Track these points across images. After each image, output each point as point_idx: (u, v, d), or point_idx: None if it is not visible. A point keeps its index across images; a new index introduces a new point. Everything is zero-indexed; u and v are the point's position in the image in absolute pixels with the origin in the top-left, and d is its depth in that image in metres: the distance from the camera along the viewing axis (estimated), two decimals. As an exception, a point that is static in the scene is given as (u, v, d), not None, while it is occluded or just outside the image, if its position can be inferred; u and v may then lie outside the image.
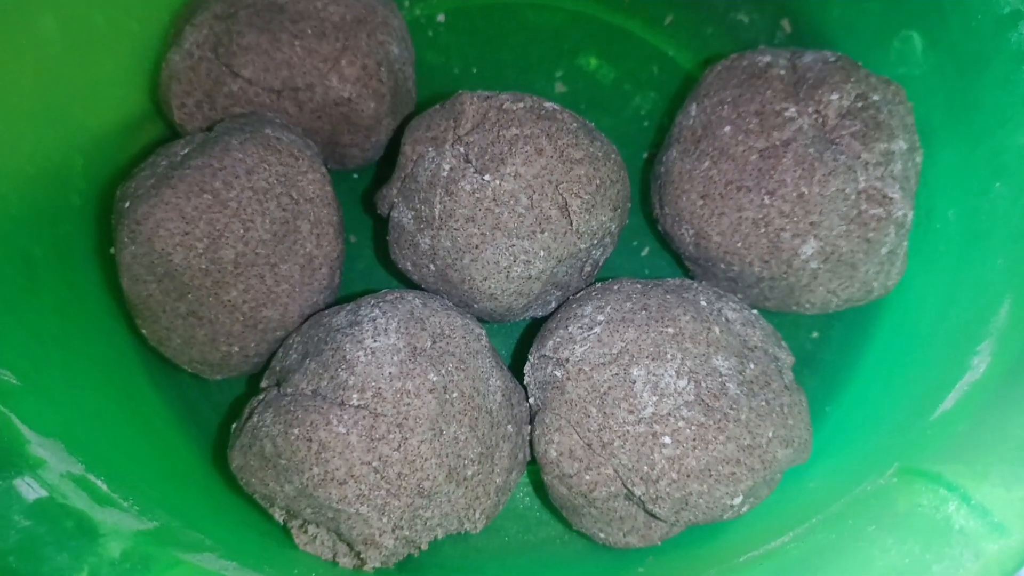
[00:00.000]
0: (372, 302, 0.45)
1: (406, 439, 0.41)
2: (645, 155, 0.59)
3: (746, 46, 0.60)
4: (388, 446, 0.40)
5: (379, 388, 0.41)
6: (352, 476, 0.40)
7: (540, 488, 0.52)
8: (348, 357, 0.42)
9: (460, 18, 0.63)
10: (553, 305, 0.49)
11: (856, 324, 0.53)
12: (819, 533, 0.42)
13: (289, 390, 0.42)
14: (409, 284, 0.52)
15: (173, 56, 0.51)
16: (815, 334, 0.54)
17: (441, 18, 0.63)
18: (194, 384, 0.53)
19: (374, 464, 0.40)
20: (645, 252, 0.57)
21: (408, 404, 0.41)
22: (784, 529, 0.43)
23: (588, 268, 0.49)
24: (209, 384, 0.53)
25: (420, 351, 0.43)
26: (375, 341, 0.42)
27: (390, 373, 0.41)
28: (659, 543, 0.46)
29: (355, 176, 0.59)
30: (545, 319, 0.50)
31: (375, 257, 0.57)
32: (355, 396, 0.41)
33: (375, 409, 0.41)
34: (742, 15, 0.61)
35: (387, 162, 0.58)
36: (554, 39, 0.62)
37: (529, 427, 0.47)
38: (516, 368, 0.51)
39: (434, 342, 0.43)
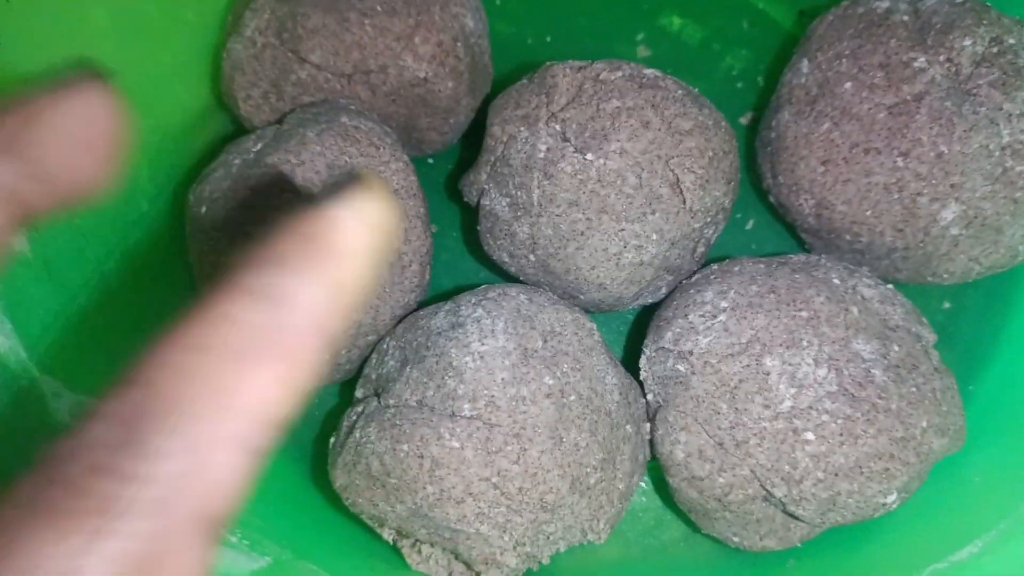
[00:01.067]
0: (473, 300, 0.41)
1: (525, 450, 0.37)
2: (743, 120, 0.54)
3: (845, -7, 0.55)
4: (507, 459, 0.37)
5: (492, 396, 0.37)
6: (470, 494, 0.37)
7: (658, 487, 0.48)
8: (455, 364, 0.38)
9: (528, -18, 0.58)
10: (664, 291, 0.45)
11: (994, 291, 0.48)
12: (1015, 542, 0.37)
13: (391, 401, 0.39)
14: (503, 275, 0.49)
15: (234, 45, 0.48)
16: (947, 304, 0.49)
17: (508, -15, 0.58)
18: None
19: (493, 480, 0.37)
20: (750, 225, 0.52)
21: (525, 412, 0.37)
22: (962, 534, 0.38)
23: (701, 249, 0.45)
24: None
25: (532, 352, 0.39)
26: (482, 344, 0.38)
27: (503, 379, 0.38)
28: (799, 544, 0.42)
29: (430, 162, 0.55)
30: (655, 307, 0.46)
31: (460, 247, 0.53)
32: (467, 406, 0.37)
33: (489, 419, 0.37)
34: (837, -41, 0.56)
35: (466, 145, 0.54)
36: (631, -1, 0.58)
37: (647, 425, 0.43)
38: (627, 362, 0.47)
39: (545, 341, 0.40)
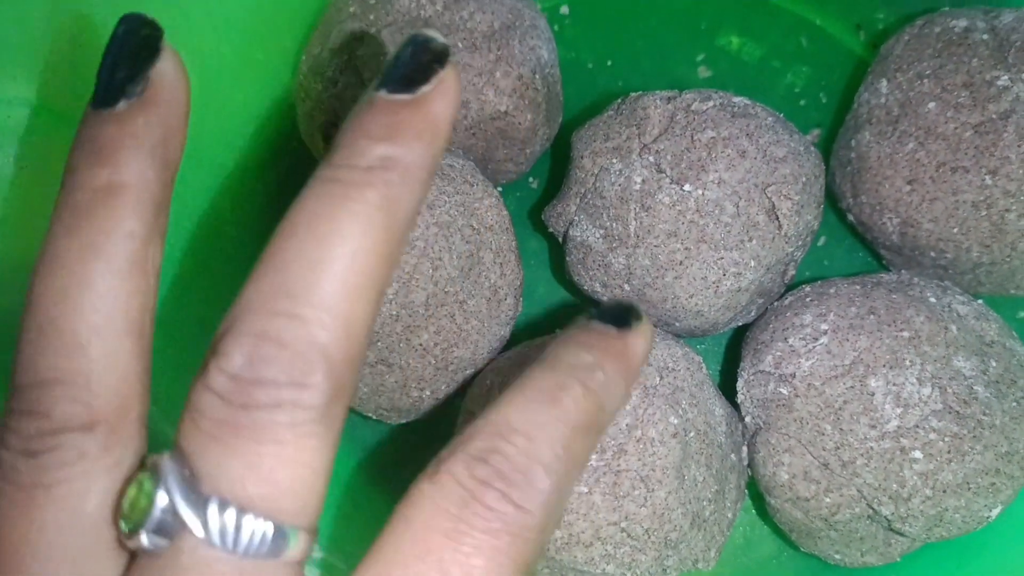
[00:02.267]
0: None
1: (652, 491, 0.38)
2: (809, 137, 0.55)
3: (901, 6, 0.55)
4: (634, 503, 0.37)
5: (620, 444, 0.38)
6: (598, 538, 0.37)
7: (743, 508, 0.49)
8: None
9: (584, 7, 0.59)
10: (754, 313, 0.46)
11: (1071, 298, 0.49)
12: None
13: None
14: (590, 304, 0.49)
15: (314, 84, 0.48)
16: (1021, 314, 0.50)
17: (565, 10, 0.59)
18: (366, 426, 0.50)
19: (621, 524, 0.37)
20: (822, 242, 0.53)
21: (653, 454, 0.38)
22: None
23: (791, 271, 0.46)
24: (383, 426, 0.50)
25: (651, 390, 0.39)
26: None
27: (627, 425, 0.38)
28: (898, 559, 0.43)
29: (500, 191, 0.56)
30: (745, 328, 0.46)
31: (536, 275, 0.54)
32: (594, 457, 0.38)
33: (617, 467, 0.38)
34: (891, -28, 0.57)
35: (537, 174, 0.55)
36: (688, 19, 0.58)
37: (745, 449, 0.43)
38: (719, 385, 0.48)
39: (662, 377, 0.40)
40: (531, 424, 0.23)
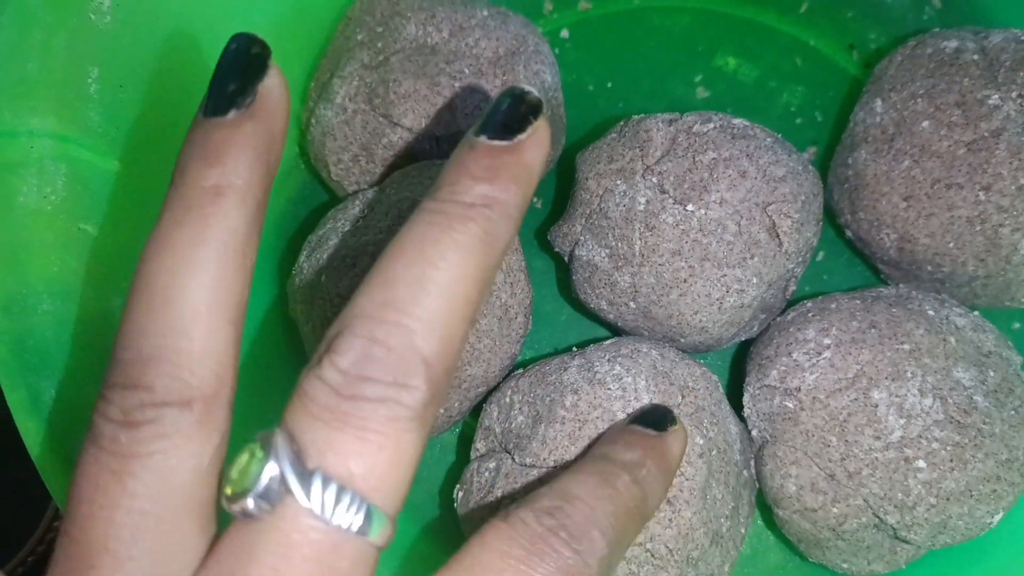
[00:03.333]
0: (607, 357, 0.42)
1: (679, 512, 0.39)
2: (805, 154, 0.56)
3: (893, 27, 0.57)
4: (659, 524, 0.38)
5: None
6: (624, 559, 0.38)
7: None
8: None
9: (584, 31, 0.60)
10: (756, 328, 0.47)
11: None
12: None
13: (529, 460, 0.40)
14: (595, 321, 0.50)
15: (325, 112, 0.50)
16: (1016, 325, 0.52)
17: (565, 34, 0.60)
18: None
19: (646, 545, 0.38)
20: (820, 257, 0.54)
21: (681, 475, 0.39)
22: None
23: (792, 287, 0.47)
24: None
25: (675, 409, 0.40)
26: (626, 414, 0.39)
27: None
28: (904, 567, 0.44)
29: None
30: (748, 343, 0.48)
31: (543, 293, 0.55)
32: None
33: None
34: (883, -7, 0.58)
35: (542, 195, 0.56)
36: (686, 41, 0.60)
37: (753, 463, 0.45)
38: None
39: (683, 397, 0.41)
40: (590, 496, 0.28)
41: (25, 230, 0.40)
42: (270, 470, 0.22)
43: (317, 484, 0.22)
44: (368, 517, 0.23)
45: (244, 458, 0.23)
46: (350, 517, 0.22)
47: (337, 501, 0.22)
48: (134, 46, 0.44)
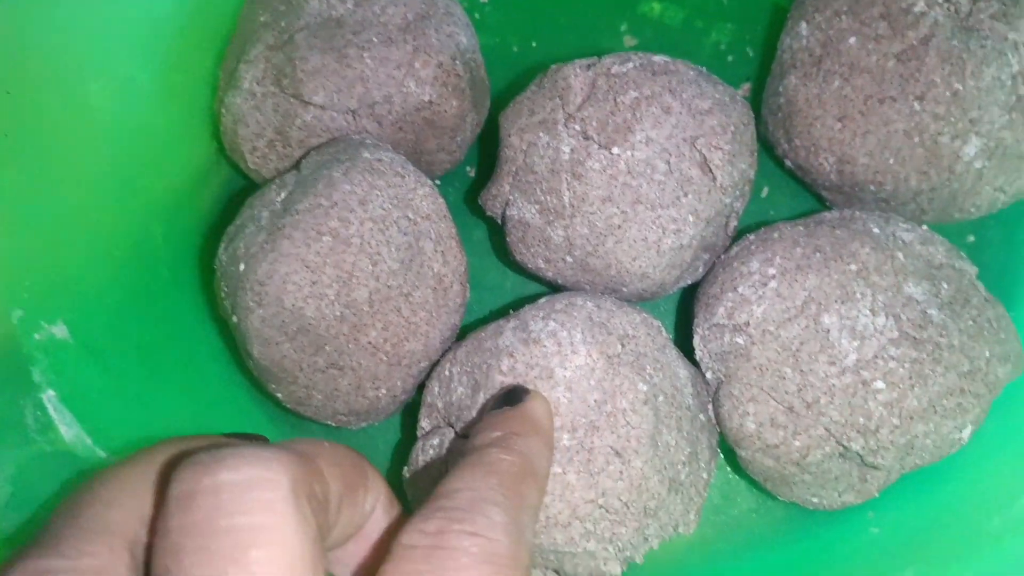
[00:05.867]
0: (540, 315, 0.40)
1: (629, 462, 0.37)
2: (740, 92, 0.54)
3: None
4: (610, 478, 0.37)
5: (591, 421, 0.37)
6: (576, 517, 0.37)
7: (720, 463, 0.48)
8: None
9: (503, -7, 0.59)
10: (701, 270, 0.46)
11: (1016, 217, 0.49)
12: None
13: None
14: (539, 283, 0.49)
15: (233, 99, 0.48)
16: (971, 238, 0.50)
17: (484, -3, 0.58)
18: (325, 435, 0.49)
19: (598, 501, 0.37)
20: (764, 193, 0.53)
21: (627, 424, 0.37)
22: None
23: (733, 223, 0.45)
24: (343, 433, 0.49)
25: (615, 359, 0.38)
26: (565, 369, 0.38)
27: (596, 400, 0.37)
28: (877, 495, 0.43)
29: (437, 183, 0.55)
30: (695, 287, 0.46)
31: (485, 263, 0.53)
32: (565, 437, 0.37)
33: (590, 444, 0.37)
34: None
35: (472, 162, 0.55)
36: (608, -8, 0.58)
37: (710, 407, 0.43)
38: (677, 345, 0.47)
39: (624, 345, 0.39)
40: (467, 482, 0.27)
41: None
42: None
43: None
44: None
45: None
46: None
47: None
48: (22, 47, 0.43)
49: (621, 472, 0.37)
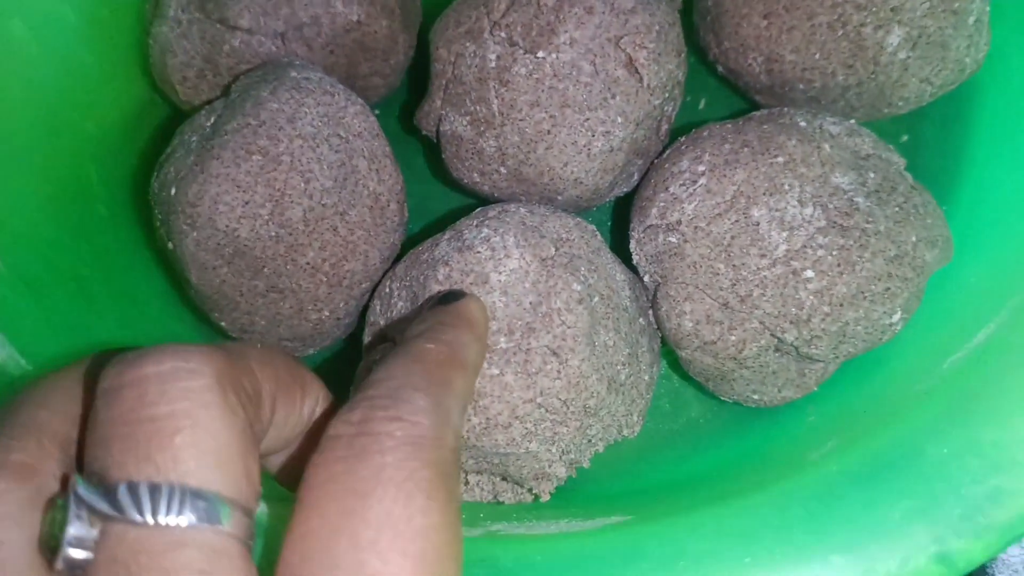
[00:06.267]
0: (474, 223, 0.40)
1: (566, 361, 0.37)
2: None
3: None
4: (547, 377, 0.37)
5: (527, 323, 0.37)
6: (516, 417, 0.37)
7: (667, 373, 0.49)
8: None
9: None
10: (636, 177, 0.46)
11: (947, 115, 0.49)
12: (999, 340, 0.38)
13: None
14: (474, 202, 0.49)
15: (159, 29, 0.47)
16: (904, 138, 0.51)
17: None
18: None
19: (537, 400, 0.37)
20: (702, 105, 0.53)
21: (562, 323, 0.37)
22: (971, 326, 0.39)
23: (664, 126, 0.46)
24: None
25: (549, 261, 0.39)
26: (499, 273, 0.38)
27: (531, 303, 0.38)
28: (815, 388, 0.43)
29: (376, 112, 0.55)
30: (631, 195, 0.46)
31: (423, 187, 0.53)
32: (502, 340, 0.37)
33: (527, 345, 0.37)
34: None
35: (409, 88, 0.54)
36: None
37: (651, 311, 0.43)
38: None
39: (557, 249, 0.40)
40: (393, 371, 0.27)
41: None
42: (77, 506, 0.22)
43: (123, 494, 0.21)
44: (209, 507, 0.22)
45: (51, 513, 0.23)
46: (175, 512, 0.21)
47: (153, 502, 0.21)
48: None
49: (559, 371, 0.37)
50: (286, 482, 0.32)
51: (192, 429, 0.22)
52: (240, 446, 0.23)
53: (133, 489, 0.21)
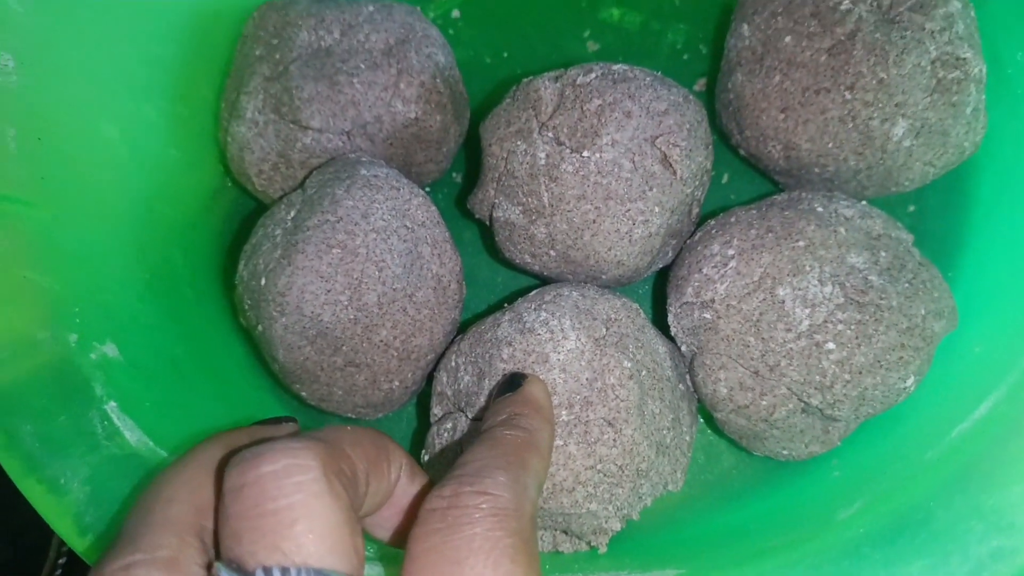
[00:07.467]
0: (532, 306, 0.46)
1: (620, 431, 0.42)
2: (697, 87, 0.60)
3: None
4: (605, 446, 0.42)
5: (584, 397, 0.42)
6: (579, 483, 0.42)
7: (702, 428, 0.53)
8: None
9: (473, 8, 0.63)
10: (671, 255, 0.51)
11: (950, 187, 0.54)
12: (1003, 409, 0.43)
13: (480, 414, 0.44)
14: (526, 275, 0.54)
15: (237, 128, 0.52)
16: (912, 208, 0.56)
17: (456, 14, 0.63)
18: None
19: (597, 467, 0.42)
20: (725, 179, 0.58)
21: (616, 398, 0.42)
22: (975, 396, 0.44)
23: (696, 210, 0.51)
24: (362, 424, 0.54)
25: (601, 341, 0.44)
26: (558, 353, 0.43)
27: (587, 379, 0.43)
28: (839, 443, 0.48)
29: (427, 190, 0.60)
30: (667, 270, 0.51)
31: (476, 261, 0.58)
32: (563, 413, 0.42)
33: (586, 417, 0.42)
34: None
35: (458, 168, 0.60)
36: (570, 1, 0.63)
37: (688, 376, 0.48)
38: (655, 323, 0.53)
39: (608, 328, 0.45)
40: (478, 455, 0.33)
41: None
42: None
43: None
44: None
45: None
46: None
47: None
48: (44, 98, 0.47)
49: (614, 440, 0.42)
50: (378, 535, 0.37)
51: (308, 518, 0.27)
52: (348, 526, 0.28)
53: (268, 574, 0.26)
